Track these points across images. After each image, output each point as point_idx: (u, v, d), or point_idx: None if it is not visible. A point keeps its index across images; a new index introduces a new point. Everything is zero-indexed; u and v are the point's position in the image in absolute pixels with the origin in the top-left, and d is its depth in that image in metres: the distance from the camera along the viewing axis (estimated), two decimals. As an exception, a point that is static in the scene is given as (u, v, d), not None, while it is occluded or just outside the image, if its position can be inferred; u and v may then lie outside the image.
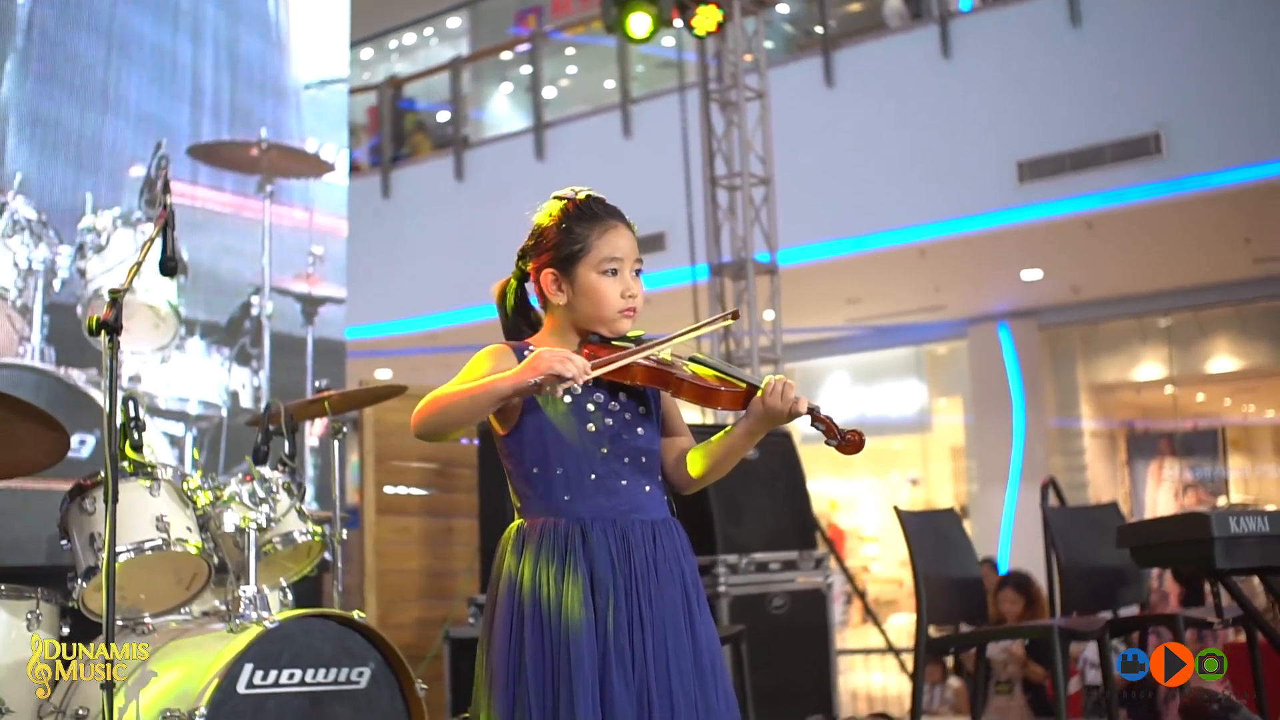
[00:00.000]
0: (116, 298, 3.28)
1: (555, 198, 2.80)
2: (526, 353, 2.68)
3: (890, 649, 8.88)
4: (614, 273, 2.71)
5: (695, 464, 2.80)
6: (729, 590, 5.99)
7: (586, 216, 2.74)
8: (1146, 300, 12.37)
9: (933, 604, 5.17)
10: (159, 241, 3.50)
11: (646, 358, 2.64)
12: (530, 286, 2.83)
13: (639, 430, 2.73)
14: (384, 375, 14.10)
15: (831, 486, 16.31)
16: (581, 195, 2.78)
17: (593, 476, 2.66)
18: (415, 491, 7.27)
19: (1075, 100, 9.93)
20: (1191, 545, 4.35)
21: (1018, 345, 12.86)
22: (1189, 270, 11.56)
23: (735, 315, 2.96)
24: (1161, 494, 12.79)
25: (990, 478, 12.95)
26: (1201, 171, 9.35)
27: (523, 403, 2.65)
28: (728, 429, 2.76)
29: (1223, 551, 4.27)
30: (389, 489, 7.16)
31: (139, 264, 3.48)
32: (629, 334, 2.76)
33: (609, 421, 2.69)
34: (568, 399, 2.66)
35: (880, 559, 15.96)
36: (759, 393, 2.66)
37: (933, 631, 5.37)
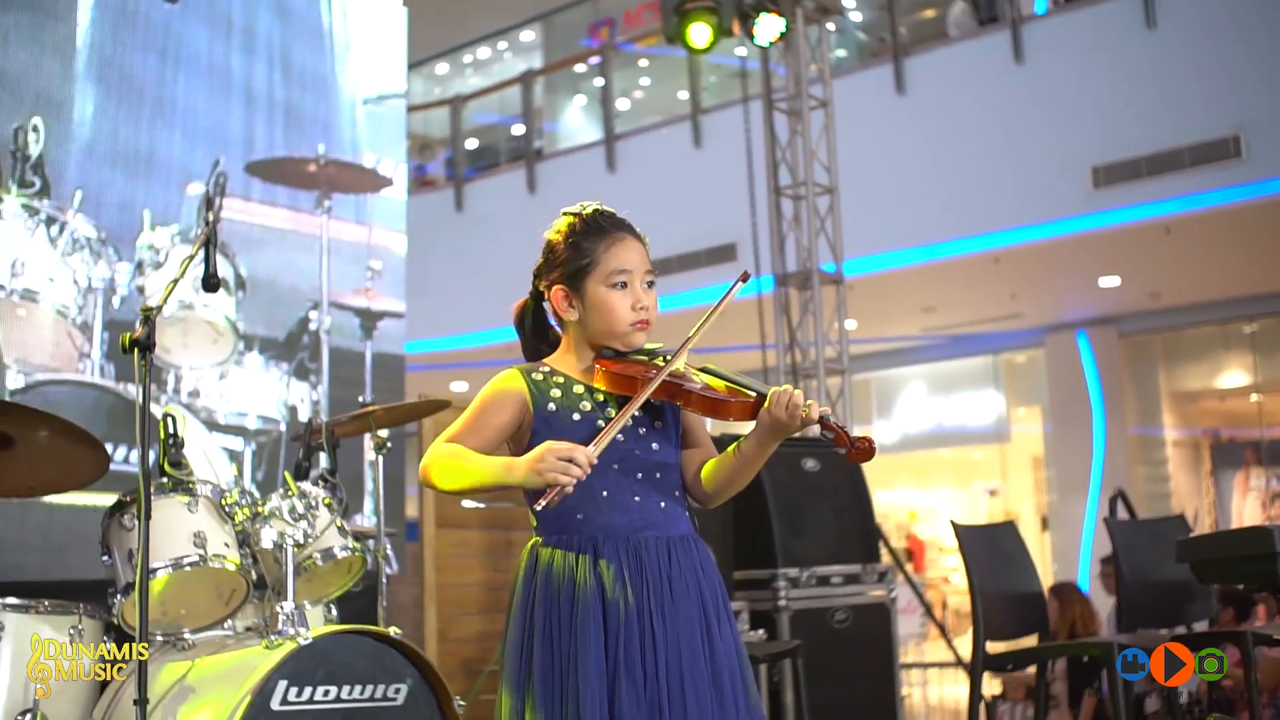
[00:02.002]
0: (149, 315, 3.31)
1: (564, 214, 2.77)
2: (538, 373, 2.66)
3: (960, 663, 8.73)
4: (624, 285, 2.68)
5: (710, 479, 2.75)
6: (789, 604, 5.93)
7: (593, 231, 2.72)
8: (1229, 306, 12.11)
9: (990, 619, 5.06)
10: (201, 258, 3.52)
11: (651, 381, 2.60)
12: (547, 306, 2.81)
13: (653, 445, 2.69)
14: (459, 388, 14.17)
15: (911, 497, 16.16)
16: (589, 210, 2.76)
17: (604, 494, 2.63)
18: (479, 505, 7.25)
19: (1151, 103, 9.76)
20: (1254, 560, 4.23)
21: (1097, 353, 12.65)
22: (1272, 275, 11.30)
23: (747, 276, 2.86)
24: (1249, 504, 12.50)
25: (1071, 488, 12.74)
26: (1282, 174, 9.15)
27: (534, 420, 2.65)
28: (740, 441, 2.71)
29: (1288, 567, 4.15)
30: (465, 502, 7.12)
31: (175, 281, 3.50)
32: (646, 346, 2.72)
33: (620, 438, 2.64)
34: (576, 416, 2.64)
35: (960, 570, 15.75)
36: (765, 404, 2.60)
37: (992, 647, 5.25)
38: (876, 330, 12.81)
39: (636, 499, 2.65)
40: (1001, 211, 10.26)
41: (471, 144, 14.94)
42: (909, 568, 13.54)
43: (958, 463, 15.73)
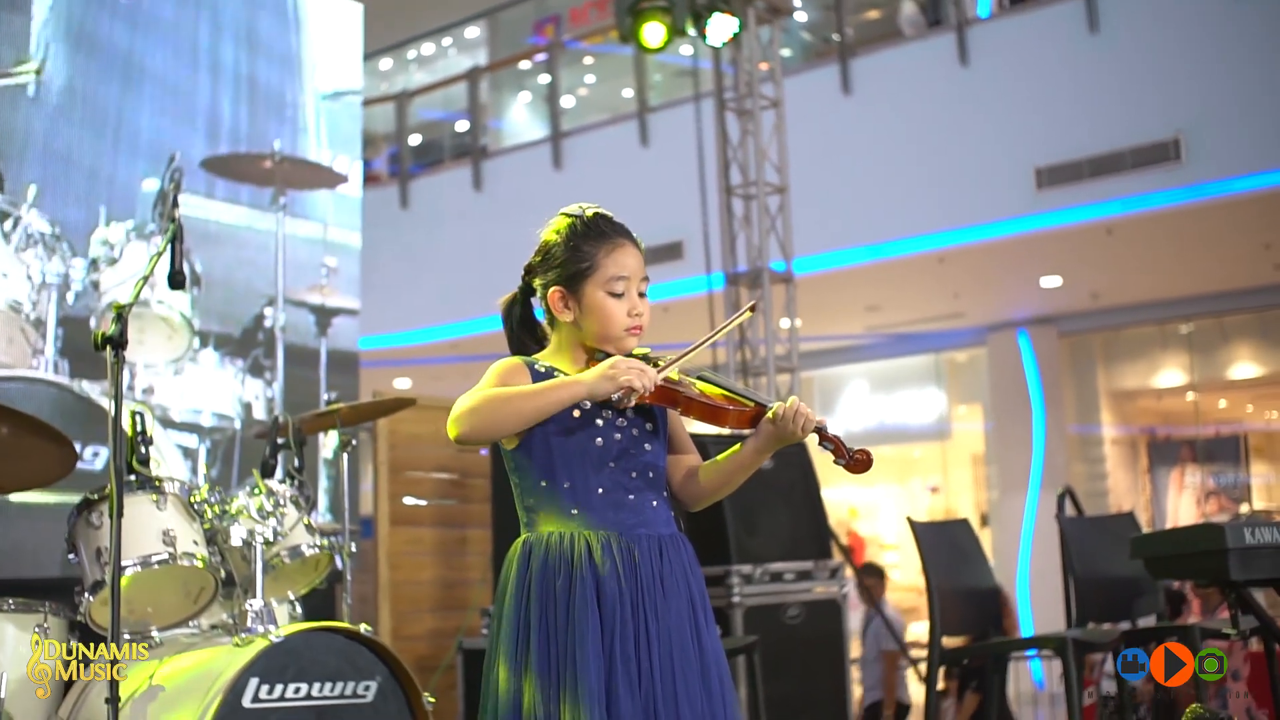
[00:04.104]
0: (122, 313, 3.29)
1: (563, 215, 2.78)
2: (538, 368, 2.68)
3: (908, 659, 8.82)
4: (621, 291, 2.71)
5: (704, 480, 2.81)
6: (743, 601, 5.97)
7: (594, 235, 2.73)
8: (1167, 306, 12.29)
9: (946, 615, 5.14)
10: (167, 255, 3.51)
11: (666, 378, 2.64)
12: (535, 301, 2.83)
13: (646, 446, 2.72)
14: (403, 384, 14.12)
15: (851, 494, 16.24)
16: (590, 213, 2.77)
17: (600, 491, 2.66)
18: (428, 502, 7.26)
19: (1094, 107, 9.89)
20: (1206, 556, 4.32)
21: (1037, 352, 12.79)
22: (1210, 276, 11.49)
23: (754, 308, 2.94)
24: (1183, 501, 12.70)
25: (1010, 485, 12.89)
26: (1221, 177, 9.29)
27: None
28: (737, 447, 2.75)
29: (1238, 563, 4.24)
30: (408, 500, 7.15)
31: (145, 278, 3.50)
32: (635, 352, 2.75)
33: (617, 436, 2.68)
34: (576, 413, 2.65)
35: (901, 567, 15.84)
36: (770, 414, 2.66)
37: (946, 642, 5.33)
38: (820, 328, 12.88)
39: (631, 497, 2.68)
40: (946, 212, 10.35)
41: (416, 140, 14.88)
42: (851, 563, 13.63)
43: (899, 460, 15.85)
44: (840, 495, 15.91)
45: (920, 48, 11.00)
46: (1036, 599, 11.93)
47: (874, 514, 16.32)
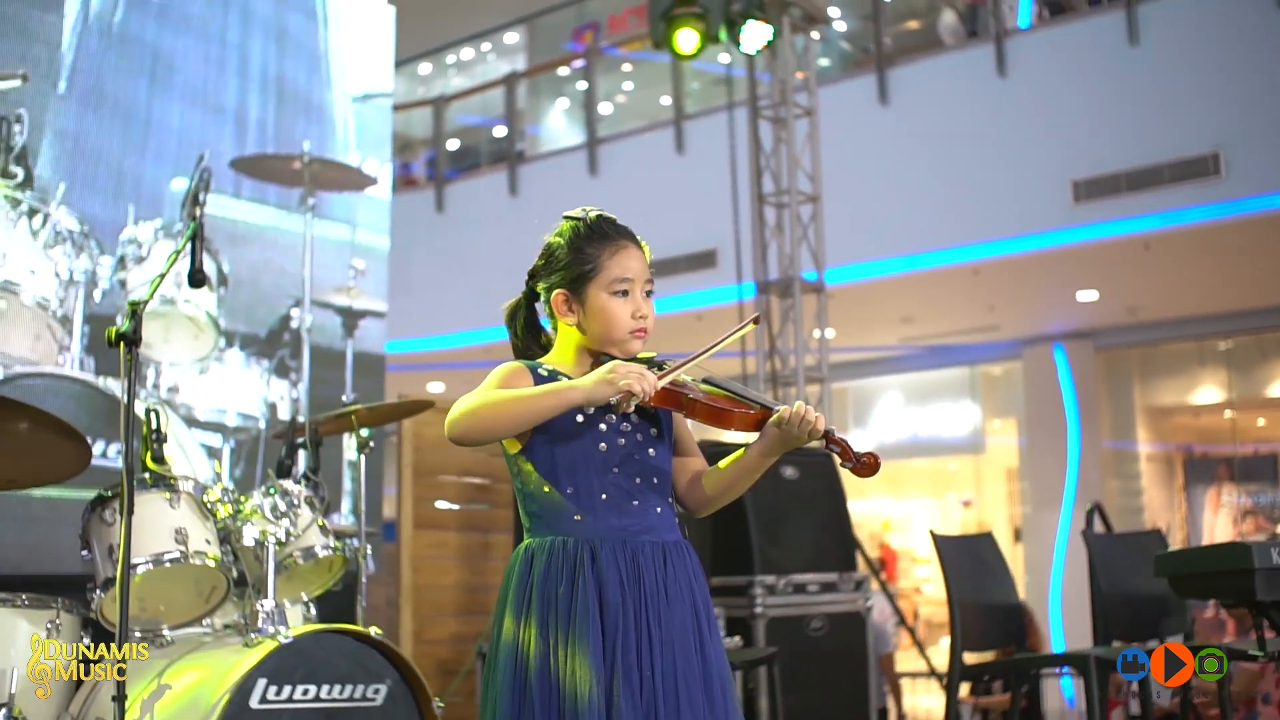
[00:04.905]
0: (136, 310, 3.29)
1: (566, 218, 2.77)
2: (541, 372, 2.66)
3: (933, 673, 8.76)
4: (625, 293, 2.69)
5: (710, 485, 2.78)
6: (765, 611, 5.94)
7: (597, 237, 2.71)
8: (1205, 322, 12.15)
9: (968, 630, 5.08)
10: (187, 254, 3.51)
11: (674, 381, 2.61)
12: (539, 306, 2.81)
13: (650, 451, 2.70)
14: (436, 388, 14.15)
15: (885, 506, 16.18)
16: (593, 215, 2.76)
17: (603, 496, 2.63)
18: (452, 506, 7.24)
19: (1132, 119, 9.79)
20: (1232, 576, 4.24)
21: (1073, 367, 12.68)
22: (1249, 292, 11.35)
23: (757, 320, 2.92)
24: (1220, 520, 12.56)
25: (1044, 500, 12.77)
26: (1261, 192, 9.17)
27: None
28: (742, 450, 2.71)
29: (1265, 583, 4.16)
30: (440, 504, 7.13)
31: (162, 276, 3.49)
32: (640, 355, 2.72)
33: (621, 441, 2.66)
34: (580, 418, 2.62)
35: (933, 580, 15.77)
36: (776, 417, 2.62)
37: (969, 658, 5.27)
38: (854, 339, 12.83)
39: (635, 503, 2.65)
40: (982, 223, 10.28)
41: (453, 145, 14.91)
42: (882, 577, 13.56)
43: (932, 473, 15.77)
44: (874, 508, 15.86)
45: (958, 58, 10.93)
46: (1069, 615, 11.81)
47: (907, 527, 16.26)
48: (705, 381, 2.73)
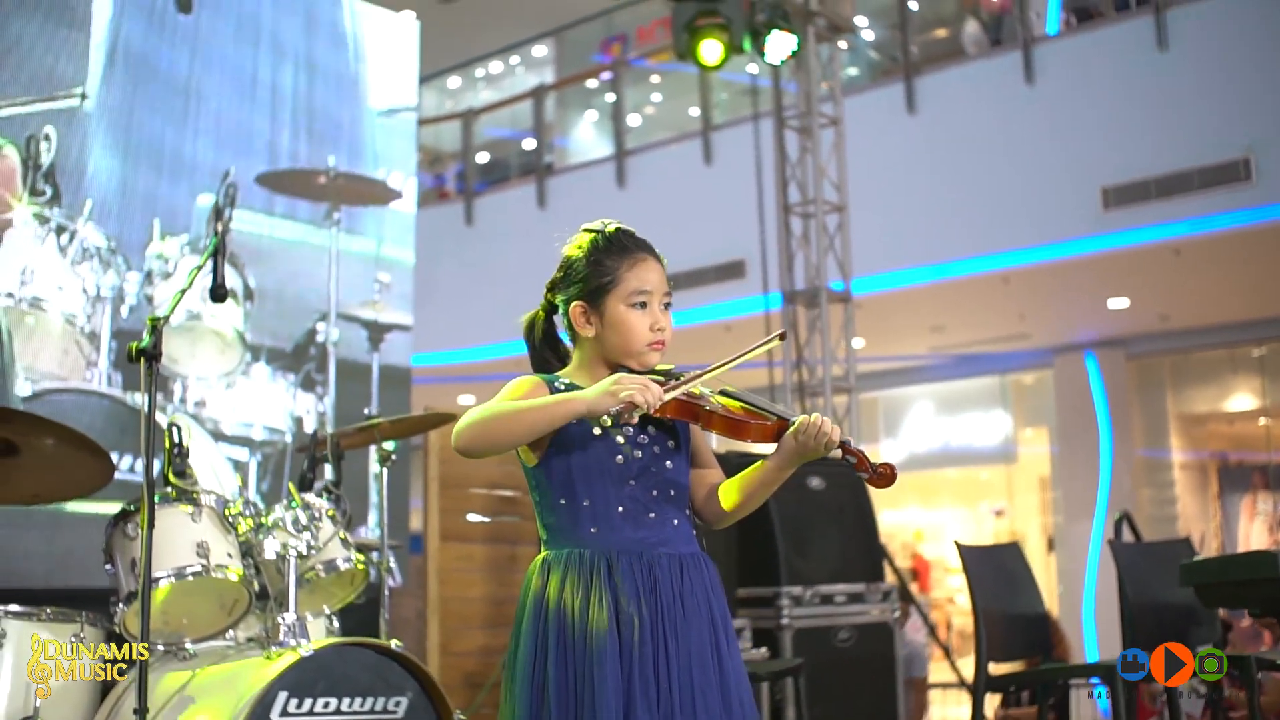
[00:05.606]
0: (156, 325, 3.31)
1: (585, 230, 2.78)
2: (558, 385, 2.66)
3: (963, 684, 8.71)
4: (643, 306, 2.69)
5: (727, 497, 2.77)
6: (792, 623, 5.93)
7: (616, 249, 2.72)
8: (1238, 329, 12.06)
9: (993, 640, 5.05)
10: (209, 268, 3.53)
11: (688, 394, 2.61)
12: (558, 319, 2.81)
13: (668, 464, 2.70)
14: (467, 400, 14.17)
15: (917, 517, 16.11)
16: (611, 228, 2.76)
17: (620, 509, 2.63)
18: (483, 519, 7.25)
19: (1162, 125, 9.74)
20: (1258, 585, 4.20)
21: (1105, 375, 12.60)
22: (1282, 299, 11.28)
23: (783, 336, 2.91)
24: (1255, 529, 12.44)
25: (1077, 509, 12.70)
26: (1292, 198, 9.12)
27: (552, 433, 2.62)
28: (760, 463, 2.71)
29: (1292, 592, 4.12)
30: (472, 517, 7.13)
31: (184, 291, 3.51)
32: (658, 368, 2.72)
33: (638, 454, 2.66)
34: (597, 430, 2.62)
35: (965, 590, 15.72)
36: (792, 429, 2.62)
37: (995, 669, 5.23)
38: (884, 349, 12.79)
39: (651, 515, 2.65)
40: (1011, 231, 10.24)
41: (482, 158, 14.96)
42: (914, 587, 13.50)
43: (964, 482, 15.70)
44: (906, 518, 15.80)
45: (986, 66, 10.90)
46: (1102, 626, 11.73)
47: (939, 537, 16.18)
48: (722, 394, 2.72)
